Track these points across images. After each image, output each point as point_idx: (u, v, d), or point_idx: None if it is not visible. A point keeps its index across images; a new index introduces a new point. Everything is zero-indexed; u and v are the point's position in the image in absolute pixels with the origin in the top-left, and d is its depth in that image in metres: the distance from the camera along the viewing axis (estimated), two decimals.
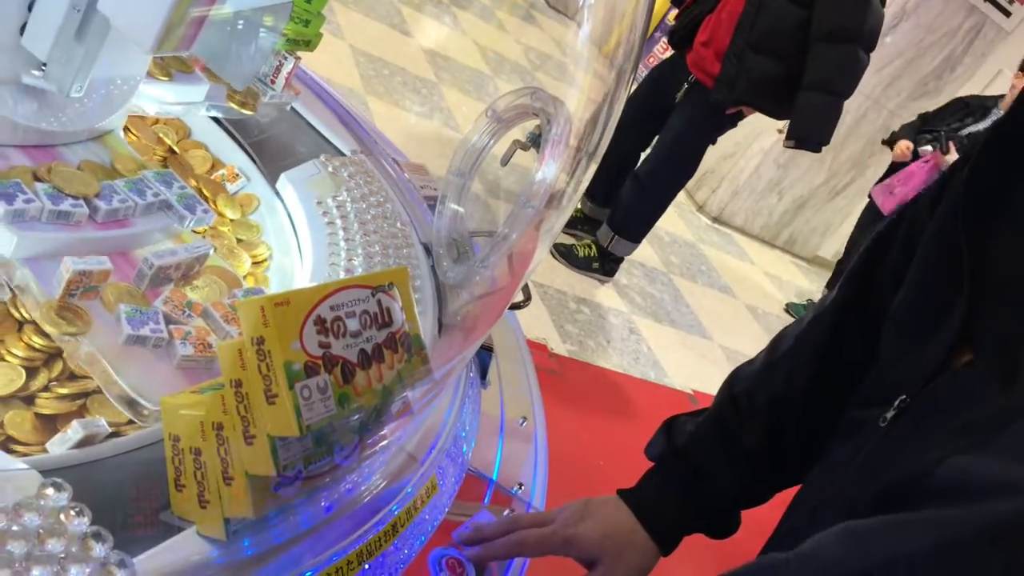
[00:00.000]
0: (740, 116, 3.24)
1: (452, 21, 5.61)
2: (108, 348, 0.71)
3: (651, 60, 6.19)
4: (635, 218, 3.55)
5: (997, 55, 5.09)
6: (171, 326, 0.73)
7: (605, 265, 3.64)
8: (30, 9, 0.75)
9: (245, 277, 0.92)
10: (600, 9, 1.05)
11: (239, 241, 1.00)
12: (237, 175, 1.12)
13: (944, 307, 0.65)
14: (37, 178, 0.75)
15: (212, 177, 1.09)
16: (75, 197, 0.74)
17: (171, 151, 1.02)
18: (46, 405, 0.66)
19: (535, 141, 1.06)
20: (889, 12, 4.84)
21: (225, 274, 0.84)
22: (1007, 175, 0.64)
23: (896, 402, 0.66)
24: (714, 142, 3.44)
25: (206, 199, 1.03)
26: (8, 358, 0.67)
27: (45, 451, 0.64)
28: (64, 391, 0.66)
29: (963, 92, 5.04)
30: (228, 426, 0.60)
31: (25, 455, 0.62)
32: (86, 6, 0.73)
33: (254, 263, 0.98)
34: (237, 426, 0.60)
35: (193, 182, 1.04)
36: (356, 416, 0.66)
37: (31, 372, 0.68)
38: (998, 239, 0.63)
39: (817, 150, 3.12)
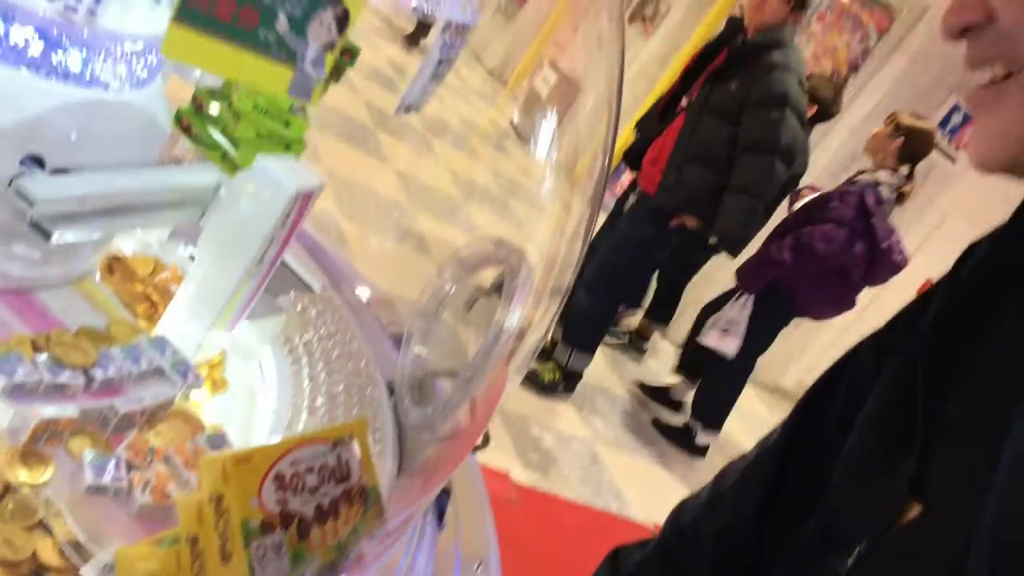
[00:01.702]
0: (683, 229, 3.50)
1: (426, 148, 5.80)
2: (67, 494, 0.71)
3: (617, 188, 6.42)
4: (586, 326, 3.74)
5: (944, 198, 5.35)
6: (132, 473, 0.74)
7: (568, 384, 3.78)
8: (22, 163, 0.79)
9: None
10: (567, 141, 1.11)
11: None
12: (181, 276, 1.14)
13: (895, 457, 0.67)
14: (36, 347, 0.78)
15: (156, 281, 1.11)
16: (74, 368, 0.77)
17: (150, 301, 1.05)
18: None
19: (498, 289, 1.11)
20: (842, 153, 5.13)
21: (189, 418, 0.86)
22: (964, 333, 0.68)
23: (855, 550, 0.68)
24: (656, 260, 3.72)
25: (155, 304, 1.05)
26: None
27: None
28: (18, 542, 0.66)
29: (914, 231, 5.28)
30: None
31: None
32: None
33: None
34: None
35: (139, 286, 1.06)
36: (309, 573, 0.66)
37: None
38: (952, 394, 0.66)
39: (737, 249, 3.50)
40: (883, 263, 3.48)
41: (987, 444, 0.58)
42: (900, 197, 3.53)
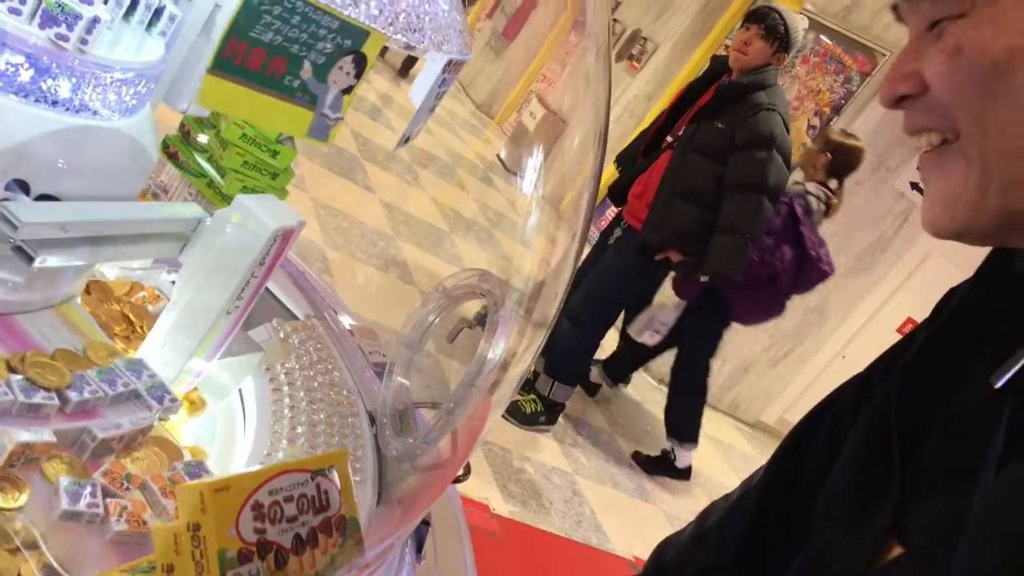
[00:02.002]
0: (668, 263, 3.56)
1: (412, 178, 5.83)
2: (42, 520, 0.71)
3: (601, 223, 6.46)
4: (569, 359, 3.77)
5: (925, 238, 5.42)
6: (108, 499, 0.74)
7: (550, 415, 3.78)
8: (7, 188, 0.79)
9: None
10: (553, 174, 1.12)
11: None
12: (158, 296, 1.14)
13: (874, 500, 0.68)
14: (11, 368, 0.78)
15: (134, 299, 1.11)
16: (48, 389, 0.76)
17: (128, 320, 1.05)
18: None
19: (481, 321, 1.11)
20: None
21: (167, 445, 0.86)
22: (940, 376, 0.70)
23: None
24: (640, 291, 3.81)
25: (132, 324, 1.05)
26: None
27: None
28: (3, 564, 0.65)
29: (894, 272, 5.34)
30: None
31: None
32: None
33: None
34: None
35: (116, 306, 1.06)
36: None
37: None
38: (929, 439, 0.67)
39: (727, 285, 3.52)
40: (811, 271, 3.59)
41: (962, 488, 0.59)
42: (828, 209, 3.70)
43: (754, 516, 0.85)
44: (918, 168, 0.64)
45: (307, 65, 0.77)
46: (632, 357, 4.41)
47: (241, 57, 0.73)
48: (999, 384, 0.60)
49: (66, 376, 0.79)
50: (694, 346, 3.97)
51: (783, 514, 0.82)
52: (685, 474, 4.12)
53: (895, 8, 0.64)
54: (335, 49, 0.77)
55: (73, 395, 0.78)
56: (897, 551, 0.65)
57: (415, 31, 0.83)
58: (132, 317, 1.05)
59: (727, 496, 0.92)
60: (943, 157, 0.60)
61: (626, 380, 4.78)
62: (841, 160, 3.66)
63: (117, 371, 0.84)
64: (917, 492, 0.65)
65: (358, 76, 0.80)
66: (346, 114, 0.86)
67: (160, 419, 0.86)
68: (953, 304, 0.73)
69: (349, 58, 0.78)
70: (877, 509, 0.67)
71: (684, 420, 4.09)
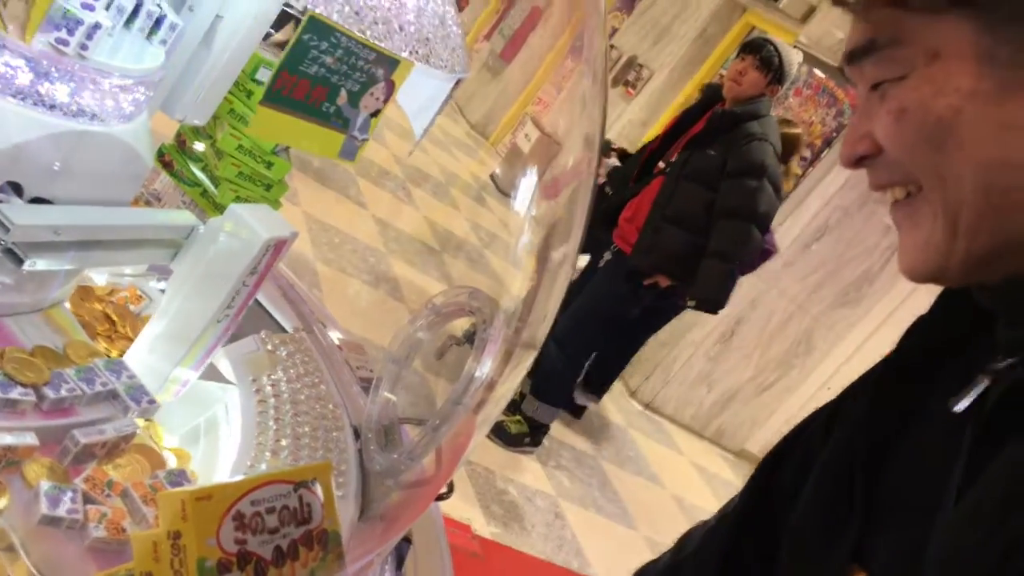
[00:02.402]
0: (656, 288, 3.57)
1: (406, 196, 5.84)
2: (21, 524, 0.70)
3: None
4: (555, 381, 3.77)
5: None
6: (88, 506, 0.73)
7: (535, 437, 3.77)
8: (0, 189, 0.79)
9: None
10: (544, 195, 1.13)
11: None
12: (140, 296, 1.13)
13: (838, 527, 0.69)
14: None
15: (116, 300, 1.10)
16: (25, 385, 0.76)
17: (110, 321, 1.04)
18: None
19: (470, 339, 1.11)
20: (813, 224, 5.22)
21: (149, 453, 0.85)
22: (901, 404, 0.71)
23: None
24: (632, 315, 3.78)
25: (114, 324, 1.04)
26: None
27: None
28: None
29: (881, 305, 5.37)
30: None
31: None
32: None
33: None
34: None
35: (98, 305, 1.06)
36: None
37: None
38: (891, 467, 0.69)
39: (714, 312, 3.56)
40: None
41: (924, 516, 0.60)
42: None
43: (730, 541, 0.86)
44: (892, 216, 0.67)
45: (343, 93, 0.85)
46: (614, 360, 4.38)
47: (289, 89, 0.81)
48: (958, 408, 0.62)
49: (44, 373, 0.79)
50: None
51: (759, 538, 0.83)
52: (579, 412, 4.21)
53: (841, 71, 0.67)
54: (368, 79, 0.85)
55: (50, 392, 0.78)
56: None
57: (436, 56, 0.86)
58: (114, 317, 1.04)
59: (705, 522, 0.92)
60: (912, 208, 0.63)
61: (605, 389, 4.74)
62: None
63: (96, 370, 0.84)
64: (880, 520, 0.67)
65: (386, 101, 0.86)
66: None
67: (142, 418, 0.86)
68: (913, 333, 0.74)
69: (381, 86, 0.86)
70: (841, 537, 0.68)
71: (602, 375, 4.14)
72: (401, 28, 0.82)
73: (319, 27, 0.78)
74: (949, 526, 0.57)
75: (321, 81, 0.81)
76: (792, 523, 0.77)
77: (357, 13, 0.80)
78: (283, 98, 0.80)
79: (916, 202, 0.63)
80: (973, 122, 0.57)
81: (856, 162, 0.66)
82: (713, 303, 3.44)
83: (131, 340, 1.00)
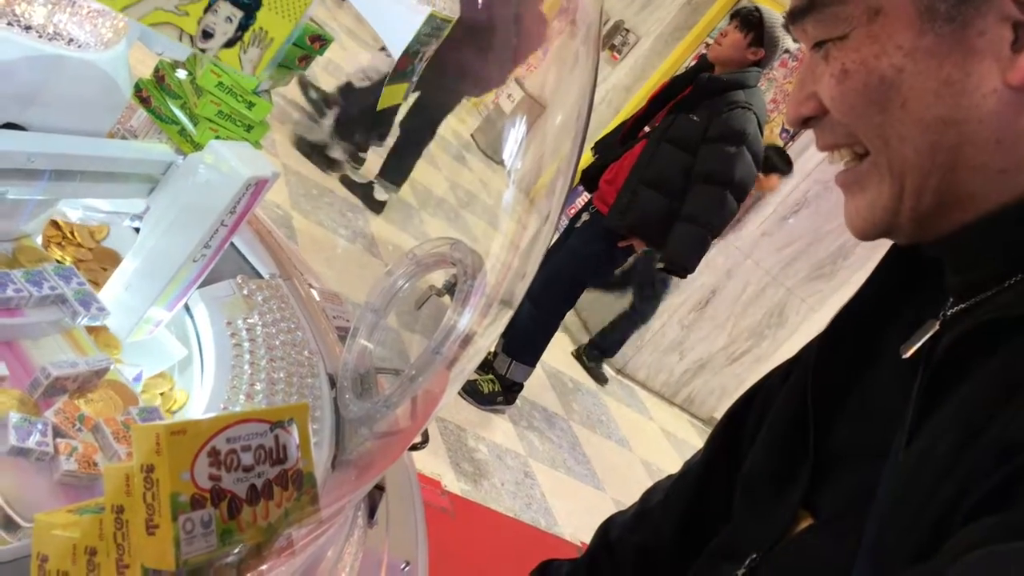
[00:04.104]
0: (631, 251, 3.62)
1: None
2: None
3: (572, 210, 6.46)
4: (528, 339, 3.78)
5: (886, 247, 5.50)
6: (59, 439, 0.72)
7: (508, 395, 3.78)
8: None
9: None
10: (528, 157, 1.12)
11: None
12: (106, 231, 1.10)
13: (790, 473, 0.70)
14: None
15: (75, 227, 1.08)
16: None
17: (59, 229, 1.02)
18: None
19: (451, 289, 1.10)
20: (791, 198, 5.24)
21: (122, 389, 0.84)
22: (851, 357, 0.72)
23: (747, 560, 0.70)
24: (606, 275, 3.86)
25: (61, 230, 1.02)
26: None
27: None
28: None
29: (855, 279, 5.41)
30: (102, 552, 0.59)
31: None
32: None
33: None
34: (111, 553, 0.59)
35: (86, 247, 1.03)
36: (236, 552, 0.65)
37: None
38: (843, 413, 0.70)
39: (683, 275, 3.57)
40: None
41: (874, 461, 0.61)
42: None
43: (694, 492, 0.87)
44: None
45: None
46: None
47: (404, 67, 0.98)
48: (907, 355, 0.63)
49: None
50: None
51: (721, 490, 0.84)
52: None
53: (786, 27, 0.67)
54: (424, 40, 1.01)
55: None
56: (808, 523, 0.67)
57: None
58: (66, 229, 1.01)
59: (671, 476, 0.94)
60: (859, 173, 0.64)
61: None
62: None
63: (45, 274, 0.81)
64: (831, 467, 0.67)
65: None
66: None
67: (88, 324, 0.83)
68: (868, 283, 0.75)
69: (432, 45, 1.04)
70: (792, 483, 0.69)
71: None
72: None
73: None
74: (899, 468, 0.57)
75: (408, 53, 0.98)
76: (744, 472, 0.78)
77: None
78: (397, 73, 1.00)
79: (862, 167, 0.63)
80: (915, 80, 0.57)
81: (802, 123, 0.66)
82: (682, 266, 3.45)
83: (82, 247, 0.98)
